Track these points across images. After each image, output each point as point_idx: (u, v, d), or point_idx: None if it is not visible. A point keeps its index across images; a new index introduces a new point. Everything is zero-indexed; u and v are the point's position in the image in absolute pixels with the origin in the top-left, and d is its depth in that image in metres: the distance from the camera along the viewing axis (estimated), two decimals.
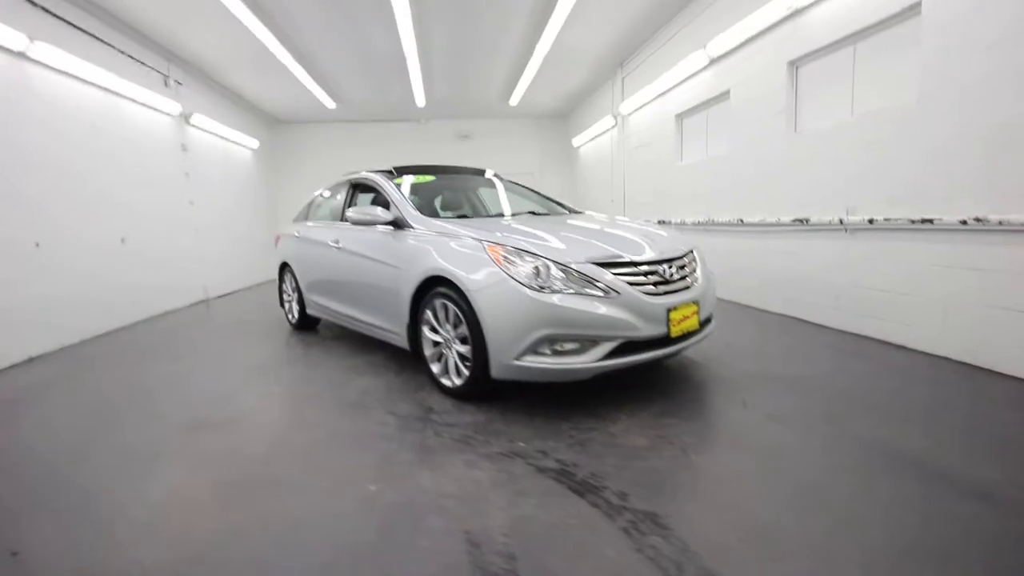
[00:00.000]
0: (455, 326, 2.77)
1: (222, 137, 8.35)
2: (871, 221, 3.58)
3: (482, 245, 2.67)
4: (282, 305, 5.33)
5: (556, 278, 2.45)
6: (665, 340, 2.58)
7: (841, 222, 3.85)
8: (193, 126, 7.32)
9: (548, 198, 4.24)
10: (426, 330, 2.99)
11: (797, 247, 4.40)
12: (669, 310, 2.57)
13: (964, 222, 2.93)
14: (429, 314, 2.93)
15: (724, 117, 5.48)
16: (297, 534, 1.64)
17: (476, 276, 2.57)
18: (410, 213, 3.29)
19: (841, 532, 1.55)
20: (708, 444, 2.22)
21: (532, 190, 4.32)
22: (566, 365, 2.42)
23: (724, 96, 5.40)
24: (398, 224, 3.31)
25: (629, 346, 2.48)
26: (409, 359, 3.68)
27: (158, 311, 6.14)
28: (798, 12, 4.18)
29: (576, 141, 10.79)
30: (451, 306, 2.74)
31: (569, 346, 2.43)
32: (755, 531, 1.57)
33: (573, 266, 2.48)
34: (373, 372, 3.46)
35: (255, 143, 9.58)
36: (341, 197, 4.28)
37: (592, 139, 9.94)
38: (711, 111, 5.79)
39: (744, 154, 5.10)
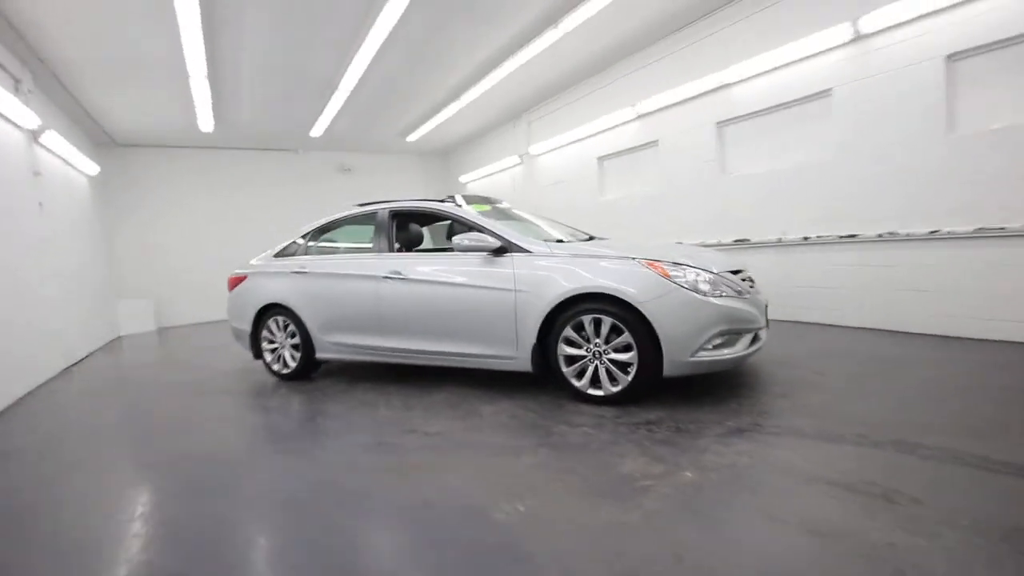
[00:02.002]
0: (608, 339, 3.02)
1: (65, 160, 6.56)
2: (806, 238, 4.97)
3: (637, 262, 3.02)
4: (259, 356, 4.54)
5: (712, 284, 2.96)
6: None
7: (780, 240, 5.20)
8: (41, 145, 5.67)
9: (568, 226, 4.68)
10: (564, 347, 3.15)
11: (740, 262, 5.67)
12: (765, 305, 3.30)
13: (880, 235, 4.39)
14: (569, 331, 3.11)
15: (652, 161, 6.69)
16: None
17: (645, 289, 2.91)
18: (520, 238, 3.41)
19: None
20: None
21: (546, 218, 4.70)
22: (726, 356, 2.92)
23: (652, 144, 6.62)
24: (503, 250, 3.39)
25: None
26: (502, 384, 3.66)
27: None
28: (726, 86, 5.55)
29: (465, 178, 11.30)
30: (607, 319, 2.99)
31: (720, 340, 2.94)
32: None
33: (718, 273, 3.03)
34: (497, 408, 3.38)
35: (94, 169, 7.67)
36: (380, 226, 4.02)
37: (487, 176, 10.58)
38: (637, 155, 6.98)
39: (676, 192, 6.32)
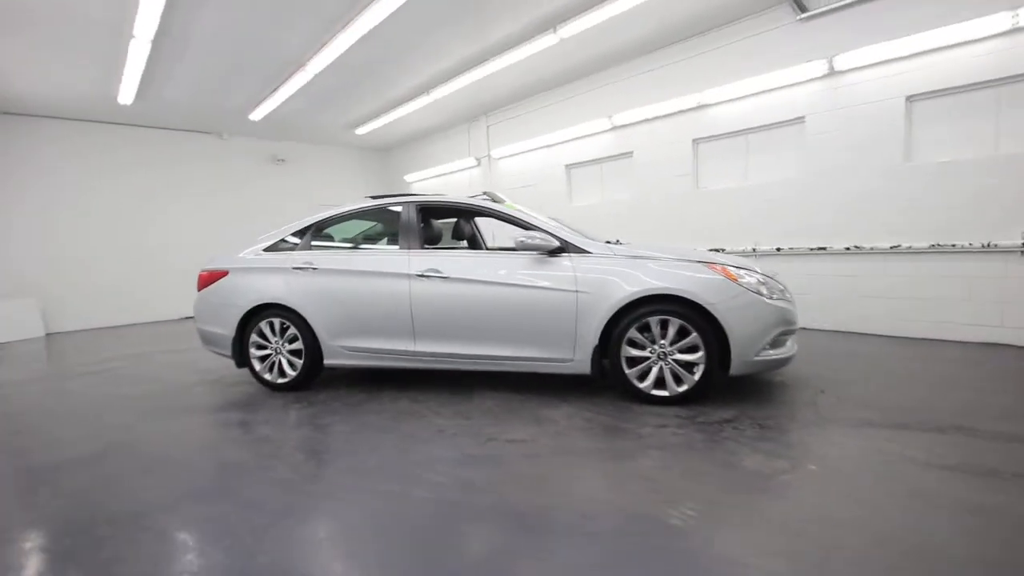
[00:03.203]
0: (674, 340, 3.08)
1: None
2: (778, 249, 5.49)
3: (701, 265, 3.12)
4: (244, 364, 3.96)
5: (768, 287, 3.14)
6: None
7: (754, 250, 5.68)
8: None
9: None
10: (628, 348, 3.15)
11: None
12: None
13: (848, 248, 4.99)
14: (634, 332, 3.12)
15: (626, 172, 6.97)
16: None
17: (715, 291, 3.01)
18: (577, 238, 3.35)
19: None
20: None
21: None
22: (782, 355, 3.12)
23: (627, 155, 6.90)
24: (559, 250, 3.31)
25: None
26: (542, 387, 3.55)
27: None
28: (704, 106, 5.97)
29: (412, 177, 10.89)
30: (674, 320, 3.05)
31: (775, 341, 3.14)
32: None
33: (771, 277, 3.23)
34: (553, 414, 3.25)
35: None
36: (407, 222, 3.72)
37: (439, 176, 10.28)
38: (609, 165, 7.23)
39: (650, 202, 6.65)
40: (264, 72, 6.39)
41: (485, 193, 3.81)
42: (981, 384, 3.35)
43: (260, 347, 3.90)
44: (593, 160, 7.38)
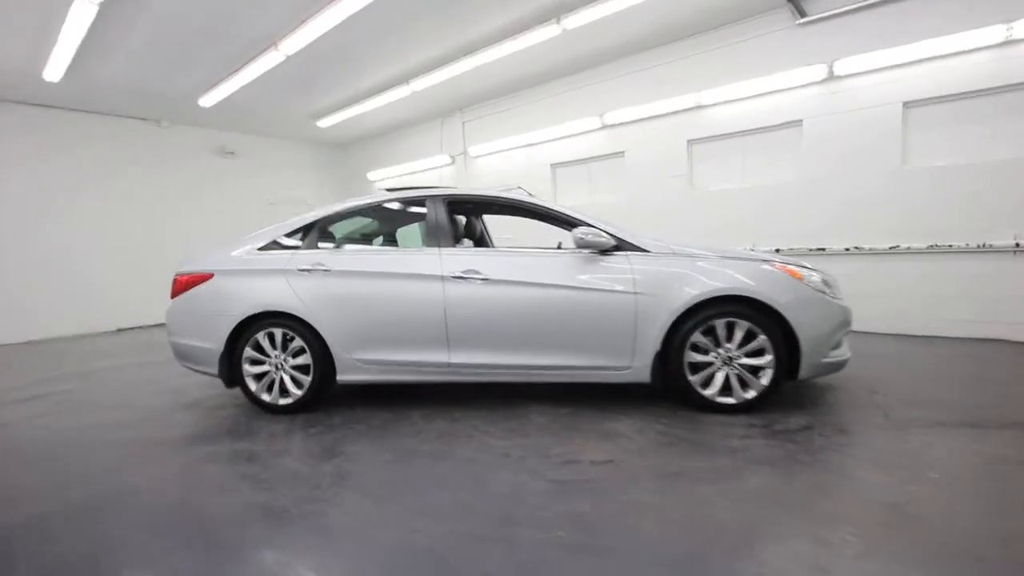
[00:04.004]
0: (741, 343, 2.91)
1: None
2: (777, 250, 5.54)
3: (766, 263, 2.98)
4: (235, 384, 3.38)
5: (831, 284, 3.05)
6: None
7: (752, 249, 5.71)
8: None
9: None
10: (692, 353, 2.94)
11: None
12: None
13: (847, 249, 5.11)
14: (698, 336, 2.92)
15: (616, 172, 6.85)
16: None
17: (784, 291, 2.87)
18: (633, 235, 3.10)
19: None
20: None
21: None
22: (843, 356, 3.03)
23: (618, 155, 6.79)
24: (615, 248, 3.05)
25: None
26: (585, 397, 3.26)
27: None
28: (700, 107, 5.95)
29: (375, 175, 10.26)
30: (742, 323, 2.88)
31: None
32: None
33: (828, 276, 3.15)
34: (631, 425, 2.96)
35: None
36: (436, 217, 3.31)
37: (408, 174, 9.72)
38: (599, 164, 7.08)
39: (642, 202, 6.56)
40: (228, 50, 5.66)
41: (519, 187, 3.49)
42: (1003, 378, 3.46)
43: (256, 363, 3.34)
44: (581, 159, 7.21)
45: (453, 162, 8.87)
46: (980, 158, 4.50)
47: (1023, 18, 4.12)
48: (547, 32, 5.32)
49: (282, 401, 3.32)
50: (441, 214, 3.33)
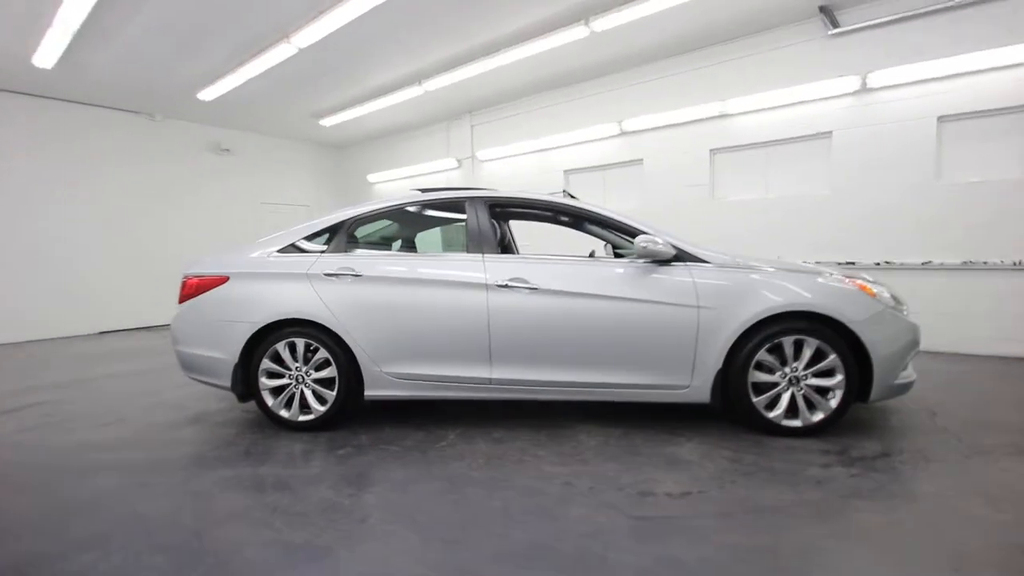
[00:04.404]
0: (808, 363, 2.72)
1: None
2: (804, 262, 5.41)
3: (835, 277, 2.80)
4: (250, 397, 3.08)
5: (901, 301, 2.89)
6: None
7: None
8: None
9: None
10: (755, 372, 2.74)
11: None
12: None
13: (878, 264, 5.00)
14: (764, 354, 2.73)
15: (634, 179, 6.69)
16: None
17: (857, 307, 2.69)
18: (692, 245, 2.90)
19: None
20: None
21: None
22: (910, 378, 2.86)
23: (637, 162, 6.63)
24: (676, 258, 2.85)
25: None
26: (628, 416, 3.03)
27: None
28: (725, 116, 5.83)
29: (375, 177, 9.97)
30: (811, 340, 2.69)
31: None
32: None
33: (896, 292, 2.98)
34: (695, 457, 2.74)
35: None
36: (477, 221, 3.06)
37: (410, 177, 9.46)
38: (615, 172, 6.91)
39: (660, 211, 6.36)
40: (235, 40, 5.36)
41: (564, 191, 3.28)
42: None
43: (274, 375, 3.04)
44: (597, 166, 7.04)
45: (460, 166, 8.64)
46: (1016, 174, 4.43)
47: None
48: (575, 33, 5.15)
49: (302, 418, 3.03)
50: (483, 217, 3.08)
